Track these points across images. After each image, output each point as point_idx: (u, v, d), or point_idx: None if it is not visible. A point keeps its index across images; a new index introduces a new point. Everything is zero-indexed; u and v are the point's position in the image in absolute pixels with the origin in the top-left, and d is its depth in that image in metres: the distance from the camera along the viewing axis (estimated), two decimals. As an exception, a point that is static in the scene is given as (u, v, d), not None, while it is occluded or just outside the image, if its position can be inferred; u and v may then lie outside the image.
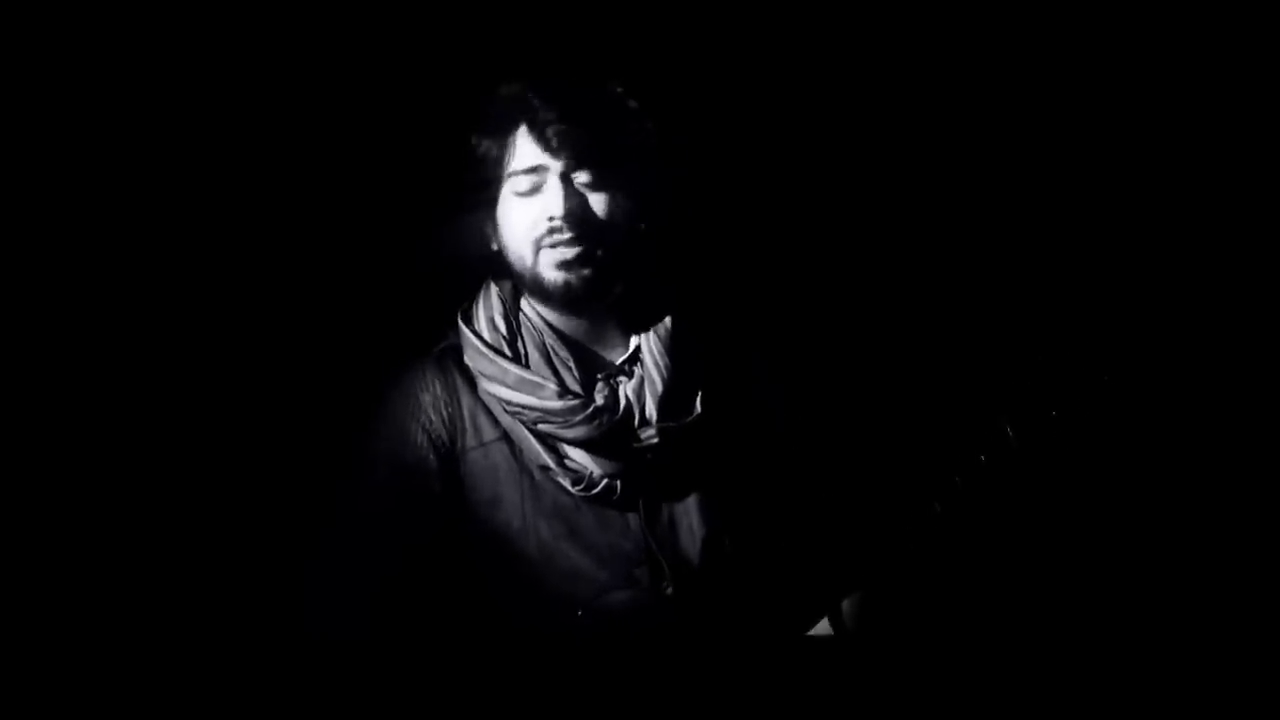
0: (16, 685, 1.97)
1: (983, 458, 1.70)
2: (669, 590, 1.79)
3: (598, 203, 1.80)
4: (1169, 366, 2.05)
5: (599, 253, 1.80)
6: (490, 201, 1.85)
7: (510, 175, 1.82)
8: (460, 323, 1.89)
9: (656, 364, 1.85)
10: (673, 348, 1.86)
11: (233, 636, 2.00)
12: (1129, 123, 2.31)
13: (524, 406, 1.81)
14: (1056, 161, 2.33)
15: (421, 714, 1.77)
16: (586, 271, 1.80)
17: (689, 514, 1.84)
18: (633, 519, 1.82)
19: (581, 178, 1.80)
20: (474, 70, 2.13)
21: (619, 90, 1.86)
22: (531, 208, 1.80)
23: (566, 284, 1.81)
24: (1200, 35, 2.27)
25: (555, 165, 1.79)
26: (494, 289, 1.90)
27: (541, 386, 1.80)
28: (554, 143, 1.78)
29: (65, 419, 2.06)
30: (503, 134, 1.82)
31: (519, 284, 1.87)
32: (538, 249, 1.81)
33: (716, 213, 2.22)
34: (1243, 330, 2.25)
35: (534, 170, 1.80)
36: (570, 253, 1.79)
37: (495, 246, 1.87)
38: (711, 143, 2.21)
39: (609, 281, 1.83)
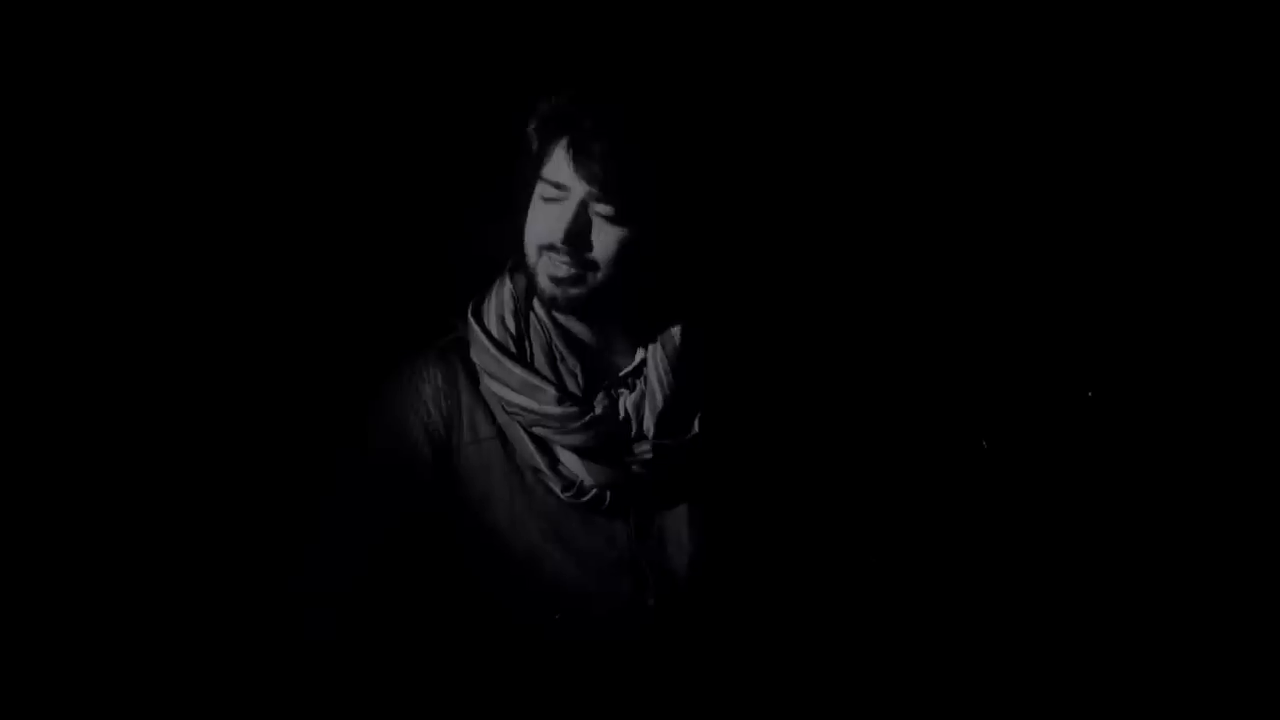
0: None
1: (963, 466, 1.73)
2: (651, 602, 1.82)
3: (607, 236, 1.78)
4: (1155, 378, 2.08)
5: (592, 278, 1.79)
6: (527, 197, 1.84)
7: (541, 179, 1.80)
8: (470, 317, 1.89)
9: (660, 379, 1.86)
10: (678, 364, 1.86)
11: (227, 625, 2.02)
12: (1122, 136, 2.31)
13: (522, 408, 1.82)
14: (1049, 184, 2.33)
15: (413, 705, 1.81)
16: (574, 291, 1.80)
17: (679, 528, 1.86)
18: (620, 528, 1.84)
19: (600, 209, 1.77)
20: (478, 66, 2.16)
21: (669, 133, 1.84)
22: (548, 216, 1.79)
23: (553, 297, 1.81)
24: (1200, 36, 2.27)
25: (579, 190, 1.77)
26: (507, 285, 1.90)
27: (542, 390, 1.81)
28: (586, 171, 1.75)
29: (66, 405, 2.08)
30: (546, 138, 1.80)
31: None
32: (540, 254, 1.81)
33: (728, 229, 2.22)
34: (1233, 342, 2.28)
35: (559, 186, 1.78)
36: (563, 271, 1.79)
37: None
38: (722, 151, 2.20)
39: (596, 304, 1.82)
